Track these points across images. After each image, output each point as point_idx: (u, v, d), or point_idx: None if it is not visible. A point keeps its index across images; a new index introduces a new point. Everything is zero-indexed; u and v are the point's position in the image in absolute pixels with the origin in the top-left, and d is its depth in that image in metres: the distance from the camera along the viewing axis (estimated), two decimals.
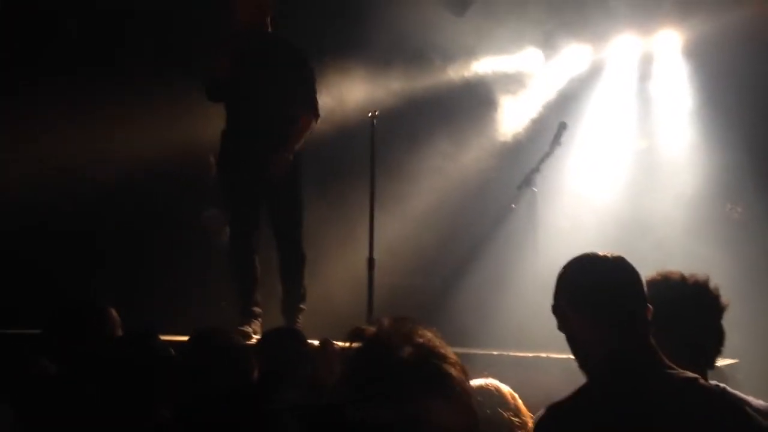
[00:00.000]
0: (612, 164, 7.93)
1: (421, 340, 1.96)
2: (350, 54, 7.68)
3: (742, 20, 7.42)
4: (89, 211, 7.32)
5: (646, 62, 8.26)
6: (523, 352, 5.23)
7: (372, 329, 1.97)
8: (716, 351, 2.88)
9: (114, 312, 4.03)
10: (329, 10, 7.92)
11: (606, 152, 8.02)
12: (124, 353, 3.45)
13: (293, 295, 6.13)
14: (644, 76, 8.24)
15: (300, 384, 3.58)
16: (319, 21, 7.81)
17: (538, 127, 7.89)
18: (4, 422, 3.43)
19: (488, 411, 3.02)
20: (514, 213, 6.52)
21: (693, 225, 7.16)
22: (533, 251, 6.04)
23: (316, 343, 4.01)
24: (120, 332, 3.92)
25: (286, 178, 5.99)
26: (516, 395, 3.27)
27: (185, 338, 4.75)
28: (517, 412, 3.07)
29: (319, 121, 6.22)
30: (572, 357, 2.67)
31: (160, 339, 3.54)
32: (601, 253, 2.70)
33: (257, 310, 6.09)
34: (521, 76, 8.20)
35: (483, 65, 8.17)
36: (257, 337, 5.68)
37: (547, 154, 6.44)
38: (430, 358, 1.93)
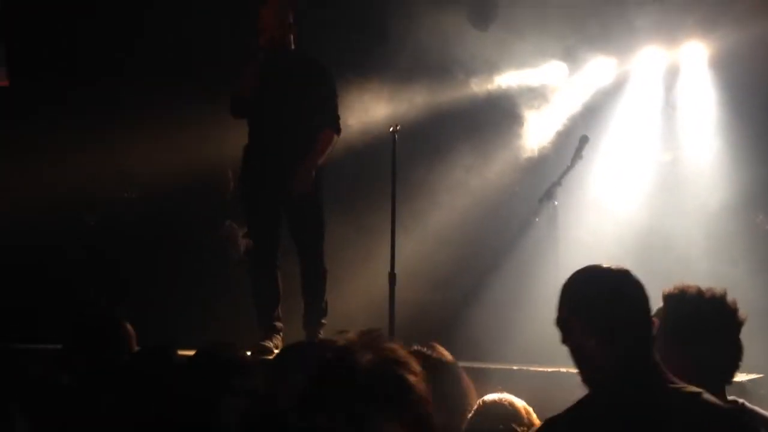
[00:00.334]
0: (636, 177, 7.87)
1: (383, 350, 1.94)
2: (373, 69, 7.69)
3: None
4: (107, 227, 7.38)
5: (672, 74, 8.20)
6: (543, 366, 5.19)
7: (337, 340, 1.96)
8: (734, 366, 2.84)
9: (129, 326, 4.05)
10: (352, 26, 7.95)
11: (630, 165, 7.96)
12: (142, 366, 3.46)
13: (315, 309, 6.14)
14: (669, 87, 8.18)
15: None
16: (342, 37, 7.84)
17: (561, 140, 7.84)
18: None
19: (501, 426, 2.99)
20: (535, 227, 6.48)
21: (717, 238, 7.07)
22: (554, 265, 5.99)
23: None
24: (135, 346, 3.93)
25: (308, 193, 6.00)
26: (530, 410, 3.24)
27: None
28: (530, 426, 3.04)
29: (340, 136, 6.24)
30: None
31: (177, 353, 3.54)
32: (605, 265, 2.67)
33: (279, 325, 6.11)
34: (544, 89, 8.16)
35: (506, 79, 8.15)
36: (278, 351, 5.68)
37: (569, 168, 6.40)
38: (388, 366, 1.91)
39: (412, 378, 1.92)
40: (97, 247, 7.40)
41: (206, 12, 7.82)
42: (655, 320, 2.58)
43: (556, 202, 6.31)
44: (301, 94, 6.07)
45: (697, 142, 7.91)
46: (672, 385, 2.49)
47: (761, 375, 5.11)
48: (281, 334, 6.08)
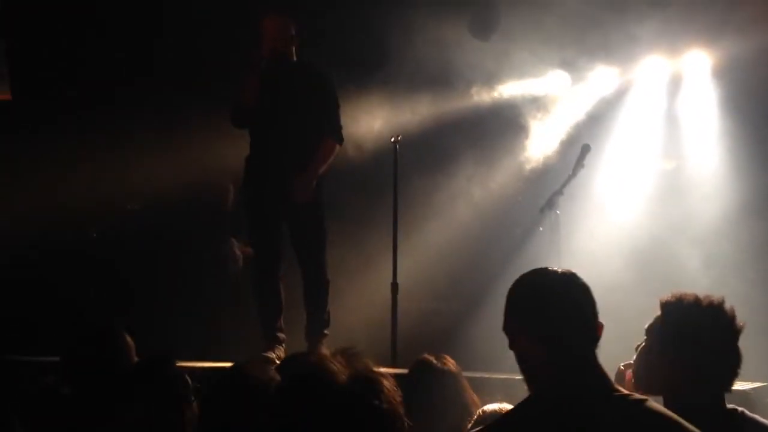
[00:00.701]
0: (638, 185, 7.86)
1: (357, 366, 1.93)
2: (374, 80, 7.71)
3: None
4: (109, 239, 7.40)
5: (675, 83, 8.20)
6: None
7: (310, 356, 1.96)
8: (733, 374, 2.81)
9: (128, 337, 4.05)
10: (353, 37, 7.97)
11: (633, 173, 7.95)
12: (141, 378, 3.47)
13: (317, 320, 6.13)
14: (672, 96, 8.18)
15: None
16: (343, 48, 7.86)
17: (564, 149, 7.84)
18: None
19: None
20: (537, 236, 6.47)
21: (720, 246, 7.05)
22: None
23: None
24: (134, 357, 3.94)
25: (309, 203, 6.01)
26: None
27: (202, 364, 4.77)
28: None
29: (342, 146, 6.24)
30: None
31: (176, 364, 3.54)
32: (551, 268, 2.65)
33: (281, 336, 6.11)
34: (547, 99, 8.17)
35: (508, 89, 8.16)
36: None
37: (570, 177, 6.39)
38: (362, 383, 1.90)
39: (383, 403, 1.91)
40: (98, 259, 7.41)
41: (207, 24, 7.85)
42: (601, 324, 2.54)
43: (558, 211, 6.30)
44: (302, 104, 6.08)
45: (700, 150, 7.90)
46: (616, 393, 2.45)
47: (766, 383, 5.09)
48: (284, 345, 6.07)
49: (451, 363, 4.16)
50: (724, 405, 2.79)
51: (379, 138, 7.29)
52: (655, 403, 2.44)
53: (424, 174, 7.78)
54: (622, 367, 3.16)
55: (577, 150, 6.62)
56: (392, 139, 6.39)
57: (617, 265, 6.75)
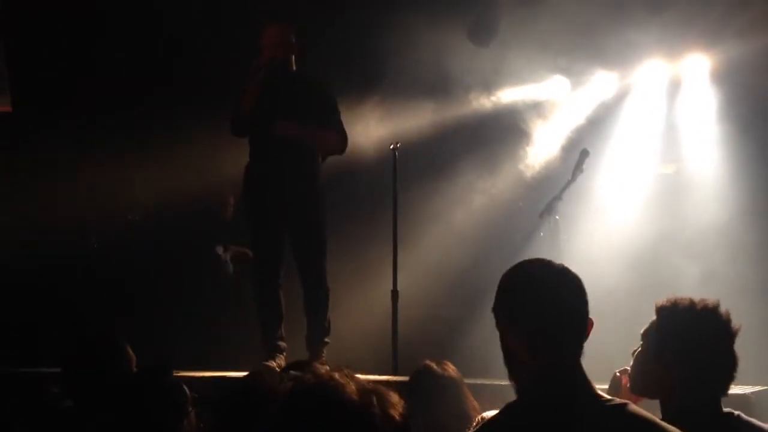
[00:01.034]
0: (638, 190, 7.85)
1: (360, 382, 1.93)
2: (373, 88, 7.72)
3: None
4: (110, 248, 7.41)
5: (674, 87, 8.20)
6: None
7: (310, 373, 1.95)
8: (729, 377, 2.80)
9: (129, 348, 4.06)
10: (352, 45, 7.99)
11: (632, 178, 7.95)
12: (137, 388, 3.46)
13: (318, 328, 6.13)
14: (672, 100, 8.18)
15: None
16: (343, 56, 7.88)
17: (564, 154, 7.84)
18: None
19: None
20: (537, 242, 6.47)
21: (721, 250, 7.04)
22: None
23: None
24: (134, 368, 3.94)
25: (309, 211, 6.03)
26: None
27: (201, 374, 4.76)
28: None
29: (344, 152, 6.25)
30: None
31: (173, 375, 3.54)
32: (543, 260, 2.56)
33: (282, 344, 6.10)
34: (546, 104, 8.17)
35: (507, 95, 8.17)
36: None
37: (569, 182, 6.40)
38: (370, 395, 1.90)
39: (393, 417, 1.90)
40: (99, 268, 7.43)
41: (208, 34, 7.87)
42: (591, 321, 2.47)
43: (557, 216, 6.30)
44: (302, 112, 6.09)
45: (700, 154, 7.90)
46: (598, 396, 2.41)
47: (767, 387, 5.07)
48: (284, 353, 6.07)
49: (451, 369, 4.16)
50: (721, 408, 2.79)
51: (379, 145, 7.29)
52: (636, 407, 2.41)
53: (424, 181, 7.78)
54: (618, 374, 3.16)
55: (577, 155, 6.62)
56: (391, 146, 6.40)
57: (617, 269, 6.74)
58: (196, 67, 7.90)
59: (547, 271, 2.50)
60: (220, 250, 7.70)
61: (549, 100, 8.19)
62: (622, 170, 7.96)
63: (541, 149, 8.05)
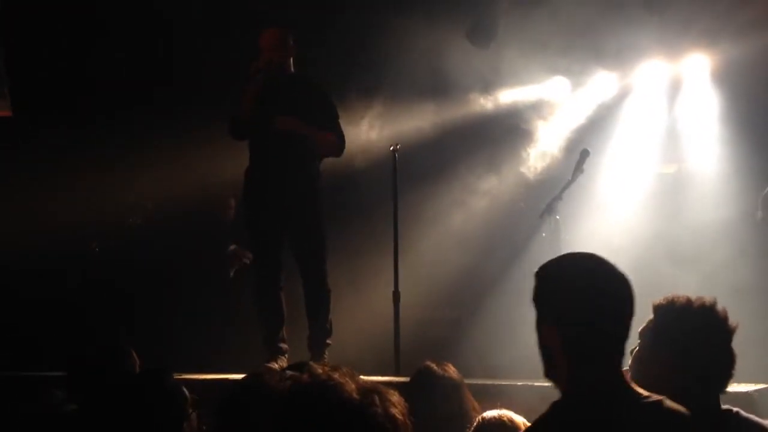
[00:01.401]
0: (639, 190, 7.85)
1: (360, 381, 1.93)
2: (372, 90, 7.73)
3: None
4: (112, 253, 7.43)
5: (675, 87, 8.20)
6: (548, 382, 5.15)
7: (310, 374, 1.95)
8: (727, 375, 2.80)
9: (133, 352, 4.07)
10: (353, 46, 7.99)
11: (633, 177, 7.95)
12: (137, 389, 3.47)
13: (319, 330, 6.14)
14: (672, 100, 8.18)
15: None
16: (342, 58, 7.88)
17: (564, 155, 7.84)
18: None
19: None
20: (538, 242, 6.47)
21: (722, 250, 7.03)
22: None
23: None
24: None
25: (309, 213, 6.04)
26: None
27: (203, 376, 4.76)
28: None
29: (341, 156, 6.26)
30: None
31: (173, 376, 3.55)
32: (586, 254, 2.51)
33: (284, 346, 6.12)
34: (547, 105, 8.17)
35: (507, 96, 8.17)
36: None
37: (570, 182, 6.40)
38: (371, 395, 1.90)
39: (394, 417, 1.91)
40: (101, 273, 7.44)
41: (208, 39, 7.89)
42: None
43: (557, 216, 6.31)
44: (301, 115, 6.10)
45: (701, 154, 7.89)
46: (636, 392, 2.41)
47: None
48: (286, 355, 6.08)
49: (452, 371, 4.17)
50: (719, 405, 2.79)
51: (379, 147, 7.30)
52: (672, 403, 2.38)
53: (424, 182, 7.78)
54: None
55: (577, 155, 6.63)
56: (391, 148, 6.41)
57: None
58: (196, 68, 7.90)
59: (595, 268, 2.44)
60: (233, 247, 7.71)
61: (549, 101, 8.19)
62: (622, 170, 7.96)
63: (541, 150, 8.05)
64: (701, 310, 2.78)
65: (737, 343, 2.82)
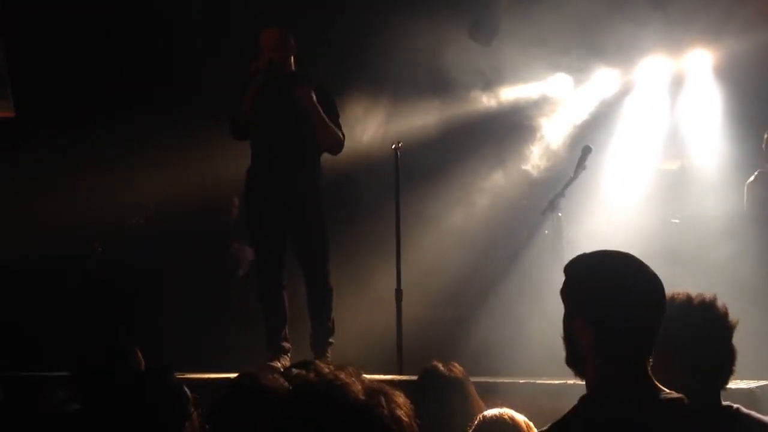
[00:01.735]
0: (642, 186, 7.84)
1: (366, 382, 1.92)
2: (374, 88, 7.72)
3: None
4: (114, 253, 7.43)
5: (677, 83, 8.19)
6: (549, 379, 5.16)
7: (317, 373, 1.94)
8: (728, 371, 2.79)
9: (139, 352, 4.07)
10: (354, 45, 7.99)
11: (636, 174, 7.94)
12: (139, 389, 3.47)
13: (322, 328, 6.14)
14: (675, 96, 8.17)
15: None
16: (343, 56, 7.88)
17: (568, 151, 7.83)
18: None
19: None
20: (540, 239, 6.47)
21: (726, 246, 7.01)
22: (560, 277, 5.94)
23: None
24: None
25: (311, 211, 6.04)
26: (531, 425, 3.23)
27: (205, 375, 4.76)
28: None
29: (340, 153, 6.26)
30: None
31: (175, 376, 3.54)
32: (617, 252, 2.50)
33: (286, 345, 6.12)
34: (549, 102, 8.17)
35: (509, 93, 8.16)
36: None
37: (572, 179, 6.39)
38: (377, 396, 1.89)
39: (399, 417, 1.90)
40: (104, 273, 7.45)
41: (210, 39, 7.89)
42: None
43: (560, 214, 6.30)
44: (302, 115, 6.10)
45: (704, 150, 7.88)
46: (658, 389, 2.41)
47: None
48: (289, 354, 6.08)
49: (458, 370, 4.16)
50: (720, 401, 2.78)
51: (381, 144, 7.30)
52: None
53: (426, 180, 7.78)
54: None
55: (579, 152, 6.62)
56: (393, 146, 6.40)
57: None
58: (196, 68, 7.90)
59: (633, 269, 2.45)
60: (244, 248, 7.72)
61: (551, 98, 8.18)
62: (625, 166, 7.95)
63: (543, 147, 8.04)
64: (701, 306, 2.77)
65: (739, 340, 2.81)
